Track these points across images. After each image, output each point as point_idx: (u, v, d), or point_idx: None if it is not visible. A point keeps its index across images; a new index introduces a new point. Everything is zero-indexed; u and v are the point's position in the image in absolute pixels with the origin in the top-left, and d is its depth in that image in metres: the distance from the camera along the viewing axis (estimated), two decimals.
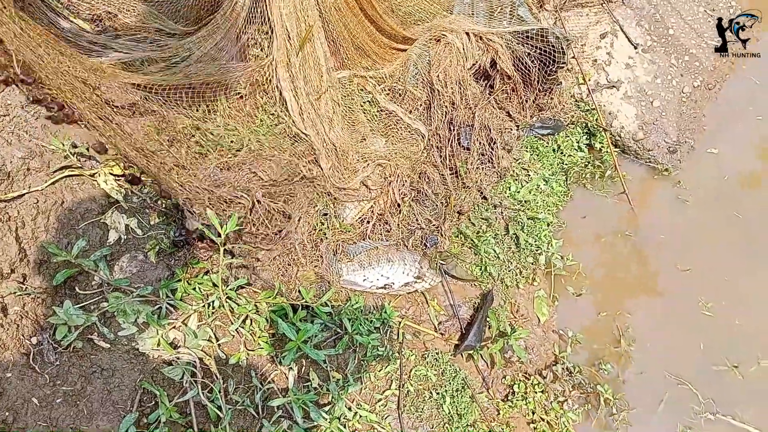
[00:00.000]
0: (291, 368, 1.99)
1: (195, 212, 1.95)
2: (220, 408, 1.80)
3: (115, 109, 1.94)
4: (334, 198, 2.30)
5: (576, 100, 3.13)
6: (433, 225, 2.50)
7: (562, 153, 3.04)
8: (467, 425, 2.28)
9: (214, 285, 1.95)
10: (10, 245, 1.70)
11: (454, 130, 2.59)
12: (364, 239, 2.36)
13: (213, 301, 1.95)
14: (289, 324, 1.98)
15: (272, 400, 1.90)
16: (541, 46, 2.67)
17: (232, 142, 2.12)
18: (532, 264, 2.78)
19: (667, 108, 3.16)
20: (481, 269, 2.61)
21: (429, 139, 2.58)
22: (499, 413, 2.41)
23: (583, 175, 3.10)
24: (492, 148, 2.68)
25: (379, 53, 2.67)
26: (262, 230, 2.12)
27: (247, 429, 1.87)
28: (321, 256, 2.21)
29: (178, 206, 2.01)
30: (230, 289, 1.98)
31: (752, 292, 2.88)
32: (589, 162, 3.10)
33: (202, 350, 1.88)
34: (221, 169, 2.07)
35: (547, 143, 3.02)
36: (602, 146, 3.08)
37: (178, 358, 1.84)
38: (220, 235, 1.84)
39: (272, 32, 2.15)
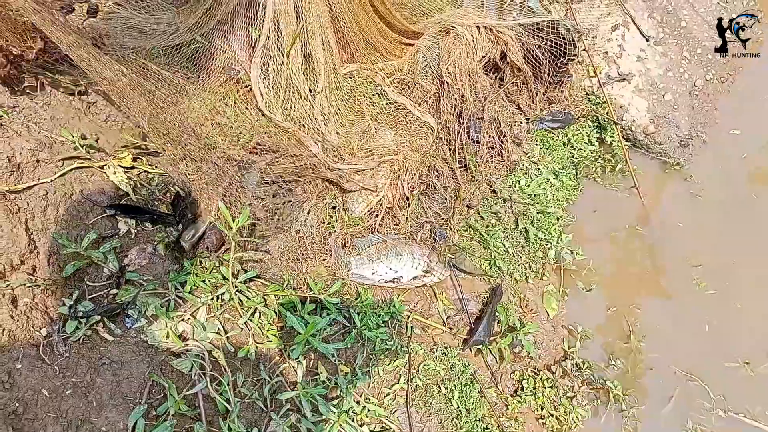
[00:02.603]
0: (299, 362, 1.98)
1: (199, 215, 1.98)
2: (228, 401, 1.80)
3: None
4: (342, 190, 2.28)
5: (586, 93, 3.09)
6: (442, 218, 2.48)
7: (572, 146, 3.01)
8: (476, 420, 2.27)
9: (224, 278, 1.95)
10: (20, 237, 1.70)
11: (463, 123, 2.57)
12: (372, 233, 2.35)
13: (223, 294, 1.95)
14: (297, 317, 1.97)
15: (281, 393, 1.90)
16: (551, 38, 2.64)
17: (241, 133, 2.11)
18: (542, 258, 2.76)
19: (679, 101, 3.12)
20: (490, 263, 2.59)
21: (438, 132, 2.56)
22: (507, 408, 2.40)
23: (594, 169, 3.07)
24: (502, 142, 2.66)
25: (389, 49, 2.66)
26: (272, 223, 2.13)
27: (255, 422, 1.87)
28: (330, 250, 2.20)
29: (186, 209, 2.02)
30: (240, 282, 1.98)
31: (764, 288, 2.85)
32: (599, 156, 3.07)
33: (210, 343, 1.88)
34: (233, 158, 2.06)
35: (557, 137, 2.99)
36: (613, 140, 3.05)
37: (186, 351, 1.84)
38: (231, 228, 1.84)
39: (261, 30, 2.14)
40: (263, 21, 2.14)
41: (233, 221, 1.85)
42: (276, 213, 2.13)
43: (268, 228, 2.10)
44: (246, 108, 2.19)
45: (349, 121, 2.37)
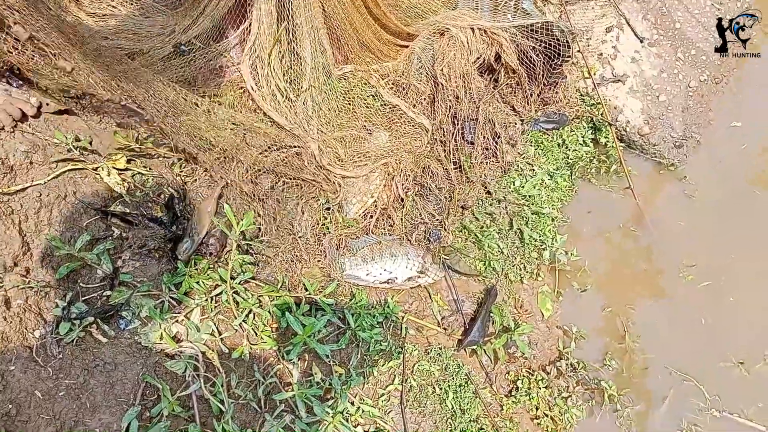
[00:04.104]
0: (295, 363, 1.98)
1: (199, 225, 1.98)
2: (222, 402, 1.80)
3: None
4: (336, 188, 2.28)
5: (581, 95, 3.10)
6: (437, 219, 2.49)
7: (566, 147, 3.02)
8: (470, 420, 2.28)
9: (222, 279, 1.95)
10: (13, 238, 1.70)
11: (458, 124, 2.57)
12: (367, 234, 2.36)
13: (220, 294, 1.95)
14: (295, 318, 1.98)
15: (276, 394, 1.90)
16: (546, 39, 2.64)
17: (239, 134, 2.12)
18: (536, 259, 2.76)
19: (673, 102, 3.13)
20: (484, 264, 2.60)
21: (433, 134, 2.56)
22: (502, 409, 2.40)
23: (588, 170, 3.08)
24: (496, 143, 2.66)
25: (384, 50, 2.66)
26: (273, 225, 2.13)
27: (249, 423, 1.87)
28: (324, 251, 2.20)
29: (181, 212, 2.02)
30: (237, 284, 1.98)
31: (759, 288, 2.86)
32: (594, 157, 3.08)
33: (204, 344, 1.88)
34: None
35: (552, 138, 2.99)
36: (607, 141, 3.06)
37: (180, 352, 1.84)
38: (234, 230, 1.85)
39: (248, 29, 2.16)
40: (250, 21, 2.15)
41: (237, 224, 1.85)
42: (266, 201, 2.13)
43: (265, 220, 2.10)
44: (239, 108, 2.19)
45: (338, 125, 2.37)
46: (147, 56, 2.14)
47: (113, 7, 2.33)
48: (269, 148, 2.18)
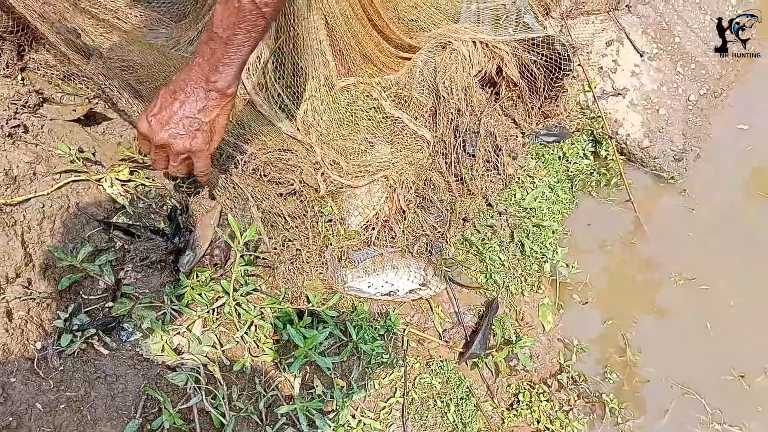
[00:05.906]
0: (296, 375, 1.98)
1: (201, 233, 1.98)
2: (223, 414, 1.79)
3: None
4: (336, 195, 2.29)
5: (581, 108, 3.13)
6: (438, 232, 2.49)
7: (567, 160, 3.03)
8: None
9: (225, 291, 1.94)
10: (15, 249, 1.70)
11: (459, 137, 2.59)
12: (368, 246, 2.36)
13: (222, 306, 1.95)
14: (296, 330, 1.97)
15: (277, 407, 1.89)
16: (547, 53, 2.67)
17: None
18: (537, 272, 2.77)
19: (673, 116, 3.16)
20: (486, 276, 2.60)
21: (434, 146, 2.58)
22: (503, 422, 2.39)
23: (589, 183, 3.09)
24: (497, 156, 2.67)
25: (386, 62, 2.68)
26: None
27: None
28: (326, 263, 2.20)
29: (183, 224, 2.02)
30: (240, 295, 1.98)
31: (760, 300, 2.86)
32: (594, 170, 3.10)
33: (206, 356, 1.88)
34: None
35: (553, 151, 3.01)
36: (608, 154, 3.07)
37: (182, 364, 1.83)
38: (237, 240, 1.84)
39: None
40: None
41: (241, 234, 1.85)
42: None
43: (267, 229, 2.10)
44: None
45: (341, 136, 2.38)
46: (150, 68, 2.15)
47: (117, 18, 2.35)
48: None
